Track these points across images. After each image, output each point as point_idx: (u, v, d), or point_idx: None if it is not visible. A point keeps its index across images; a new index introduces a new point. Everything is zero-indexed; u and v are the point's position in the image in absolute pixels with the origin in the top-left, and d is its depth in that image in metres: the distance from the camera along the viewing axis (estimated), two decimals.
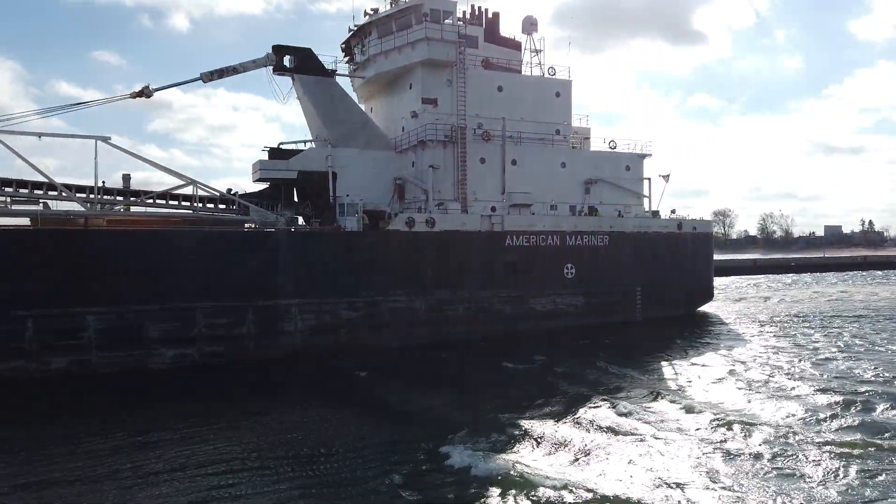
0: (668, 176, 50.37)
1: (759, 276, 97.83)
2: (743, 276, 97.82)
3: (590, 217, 43.58)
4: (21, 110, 36.08)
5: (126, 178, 38.66)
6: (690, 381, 27.08)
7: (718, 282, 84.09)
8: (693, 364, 30.79)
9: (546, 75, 46.60)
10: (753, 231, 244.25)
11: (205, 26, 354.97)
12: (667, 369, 29.93)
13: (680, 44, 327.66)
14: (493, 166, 42.46)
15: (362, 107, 51.15)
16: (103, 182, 35.98)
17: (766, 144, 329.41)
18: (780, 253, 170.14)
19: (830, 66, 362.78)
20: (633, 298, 43.87)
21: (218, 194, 38.64)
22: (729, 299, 62.26)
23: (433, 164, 40.70)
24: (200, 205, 38.54)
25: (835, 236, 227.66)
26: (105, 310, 30.11)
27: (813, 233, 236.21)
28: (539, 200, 43.26)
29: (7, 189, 34.08)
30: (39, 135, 35.49)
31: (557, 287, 40.96)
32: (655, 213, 49.24)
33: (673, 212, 48.99)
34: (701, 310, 50.06)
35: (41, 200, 35.38)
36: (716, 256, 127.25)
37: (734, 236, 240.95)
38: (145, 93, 39.48)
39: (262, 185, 41.81)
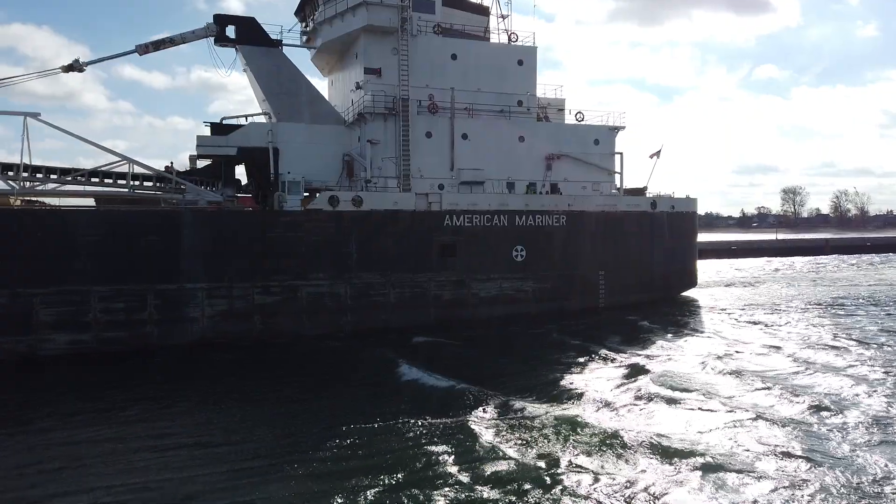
0: (659, 152, 46.42)
1: (828, 258, 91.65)
2: (809, 257, 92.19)
3: (544, 196, 40.19)
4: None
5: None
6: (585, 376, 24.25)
7: (761, 263, 79.63)
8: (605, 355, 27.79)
9: (510, 42, 43.13)
10: (826, 209, 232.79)
11: (258, 9, 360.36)
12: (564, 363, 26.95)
13: (745, 13, 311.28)
14: (440, 141, 39.61)
15: (325, 80, 49.07)
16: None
17: (839, 118, 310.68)
18: (854, 232, 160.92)
19: None
20: (594, 283, 40.41)
21: (154, 172, 37.31)
22: (733, 284, 57.44)
23: (371, 138, 38.19)
24: (137, 183, 37.41)
25: None
26: None
27: (891, 211, 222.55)
28: (493, 178, 40.20)
29: None
30: None
31: (504, 271, 37.97)
32: (640, 191, 45.45)
33: (644, 189, 44.99)
34: (684, 295, 46.14)
35: None
36: (785, 236, 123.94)
37: (805, 215, 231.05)
38: (75, 67, 38.42)
39: (207, 162, 40.20)
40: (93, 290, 30.46)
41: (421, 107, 39.22)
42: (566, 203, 39.71)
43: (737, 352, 28.45)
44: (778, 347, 29.19)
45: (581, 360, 27.50)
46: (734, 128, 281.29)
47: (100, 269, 30.42)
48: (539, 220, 38.73)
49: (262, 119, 41.68)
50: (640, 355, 28.15)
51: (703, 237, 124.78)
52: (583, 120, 43.77)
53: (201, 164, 39.89)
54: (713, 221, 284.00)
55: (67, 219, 31.00)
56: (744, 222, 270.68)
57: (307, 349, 31.33)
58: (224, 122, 41.09)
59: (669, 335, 32.73)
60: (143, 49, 39.21)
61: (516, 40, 42.76)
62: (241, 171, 41.20)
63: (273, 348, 31.36)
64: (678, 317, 38.39)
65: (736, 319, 37.31)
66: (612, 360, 27.35)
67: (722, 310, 41.15)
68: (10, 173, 34.37)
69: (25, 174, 34.26)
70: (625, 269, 41.18)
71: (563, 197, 40.21)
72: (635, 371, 25.20)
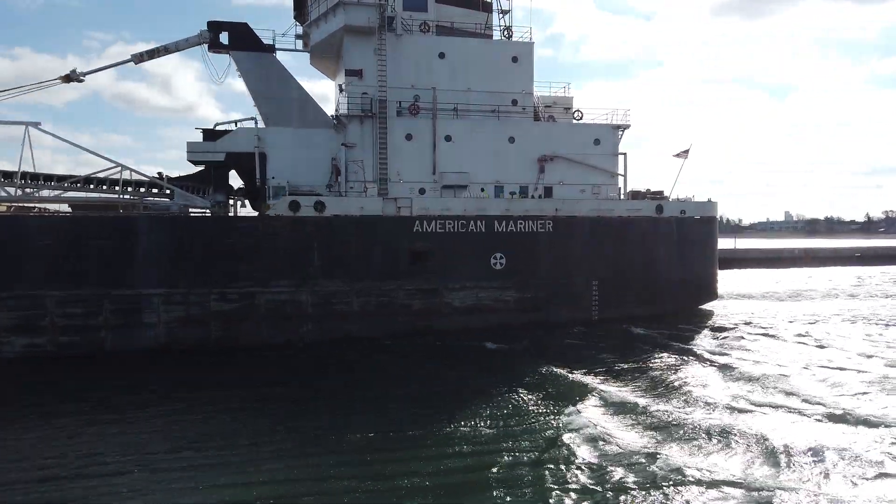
0: (686, 152, 42.74)
1: None
2: None
3: (528, 200, 37.69)
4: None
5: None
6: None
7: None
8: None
9: (502, 38, 40.97)
10: None
11: None
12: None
13: (865, 1, 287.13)
14: (422, 143, 38.02)
15: (333, 83, 48.57)
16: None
17: None
18: None
19: None
20: (587, 294, 37.47)
21: (147, 179, 38.06)
22: (773, 298, 52.01)
23: (347, 142, 37.20)
24: (131, 189, 38.28)
25: None
26: None
27: None
28: (480, 181, 38.19)
29: None
30: None
31: (482, 279, 35.85)
32: (656, 195, 41.97)
33: (650, 192, 41.35)
34: (703, 308, 42.08)
35: None
36: None
37: None
38: (73, 77, 39.65)
39: (200, 168, 40.59)
40: (48, 294, 31.10)
41: (401, 108, 37.81)
42: (553, 208, 37.07)
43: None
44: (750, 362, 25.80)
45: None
46: (856, 125, 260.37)
47: (55, 275, 30.99)
48: (521, 225, 36.34)
49: (260, 124, 41.63)
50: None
51: (817, 243, 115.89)
52: (581, 118, 40.87)
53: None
54: (834, 227, 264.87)
55: (21, 225, 31.73)
56: (868, 227, 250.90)
57: (294, 355, 31.31)
58: (217, 127, 41.41)
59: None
60: (139, 58, 40.01)
61: (510, 36, 40.51)
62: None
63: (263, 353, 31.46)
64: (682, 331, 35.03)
65: (745, 336, 33.57)
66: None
67: (737, 324, 37.18)
68: (9, 181, 36.05)
69: (23, 181, 35.77)
70: (623, 280, 37.99)
71: (549, 201, 37.62)
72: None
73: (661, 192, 42.78)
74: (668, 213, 39.44)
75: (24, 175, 35.73)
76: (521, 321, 36.00)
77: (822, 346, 30.62)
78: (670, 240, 39.35)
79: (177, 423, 20.66)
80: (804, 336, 33.28)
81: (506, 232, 36.13)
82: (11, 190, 35.70)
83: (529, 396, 22.64)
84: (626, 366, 27.12)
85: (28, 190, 36.31)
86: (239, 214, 39.23)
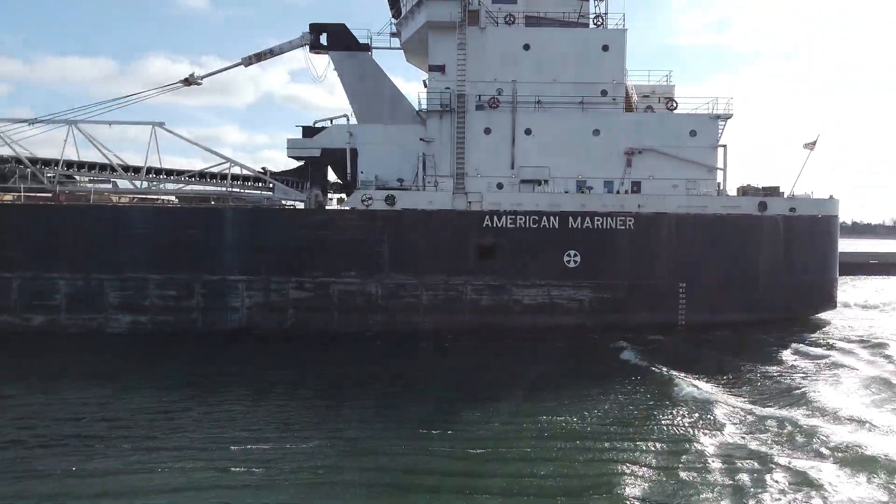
0: (814, 143, 38.66)
1: None
2: None
3: (606, 195, 35.65)
4: None
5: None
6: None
7: None
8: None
9: (604, 26, 39.06)
10: None
11: None
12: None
13: None
14: (500, 137, 37.33)
15: (426, 79, 48.99)
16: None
17: None
18: None
19: None
20: (672, 296, 34.86)
21: (252, 173, 41.00)
22: None
23: (424, 136, 37.46)
24: (238, 182, 41.46)
25: None
26: (71, 276, 34.29)
27: None
28: (562, 175, 36.81)
29: (81, 170, 40.94)
30: (110, 123, 41.65)
31: (554, 277, 34.58)
32: (773, 191, 38.17)
33: (750, 187, 37.43)
34: (819, 318, 37.60)
35: (112, 180, 41.90)
36: None
37: None
38: (190, 81, 43.25)
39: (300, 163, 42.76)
40: (150, 277, 34.35)
41: (481, 101, 37.40)
42: (635, 204, 34.90)
43: None
44: None
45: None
46: None
47: (155, 260, 34.15)
48: (598, 222, 34.60)
49: (353, 121, 43.06)
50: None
51: None
52: (675, 108, 37.96)
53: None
54: None
55: (127, 214, 35.24)
56: None
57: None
58: (316, 124, 43.35)
59: None
60: (248, 61, 42.81)
61: (600, 24, 38.58)
62: None
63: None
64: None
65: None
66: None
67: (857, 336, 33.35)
68: (136, 175, 40.36)
69: (149, 175, 40.00)
70: (716, 282, 34.96)
71: (631, 197, 35.44)
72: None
73: (776, 188, 38.79)
74: (774, 210, 35.70)
75: (150, 170, 39.85)
76: (596, 322, 34.36)
77: None
78: (776, 240, 35.61)
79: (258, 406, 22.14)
80: None
81: (581, 228, 34.61)
82: (138, 183, 40.16)
83: (650, 400, 22.71)
84: (747, 374, 26.55)
85: (154, 183, 40.59)
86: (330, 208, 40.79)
